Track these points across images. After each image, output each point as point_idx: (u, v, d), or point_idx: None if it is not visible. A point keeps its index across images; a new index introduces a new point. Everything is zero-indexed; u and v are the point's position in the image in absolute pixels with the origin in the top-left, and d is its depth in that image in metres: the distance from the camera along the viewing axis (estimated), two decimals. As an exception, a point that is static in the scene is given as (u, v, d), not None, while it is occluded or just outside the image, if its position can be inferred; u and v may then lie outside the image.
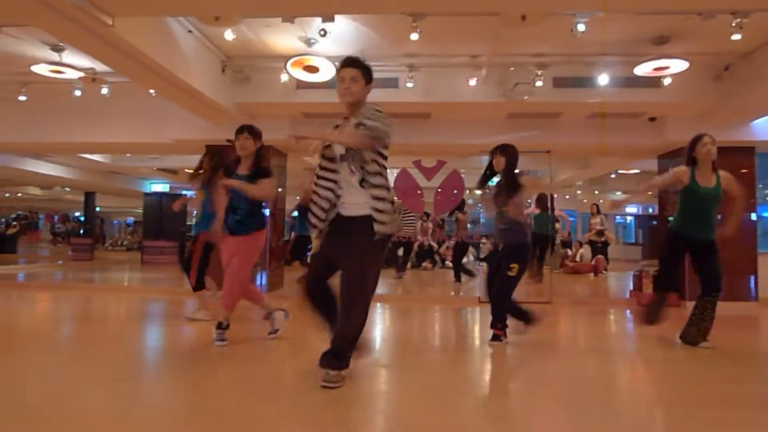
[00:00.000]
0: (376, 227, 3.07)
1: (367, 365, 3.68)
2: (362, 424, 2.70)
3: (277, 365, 3.92)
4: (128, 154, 12.26)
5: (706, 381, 3.62)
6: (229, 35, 5.39)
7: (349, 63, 3.22)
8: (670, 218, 7.74)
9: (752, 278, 7.32)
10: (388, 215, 3.10)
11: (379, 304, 7.09)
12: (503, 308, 4.50)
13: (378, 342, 4.72)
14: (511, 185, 4.41)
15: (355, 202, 3.19)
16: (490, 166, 4.53)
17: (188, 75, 5.55)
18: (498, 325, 4.51)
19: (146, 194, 16.42)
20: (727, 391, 3.36)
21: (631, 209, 21.54)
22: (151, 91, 6.68)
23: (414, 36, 5.15)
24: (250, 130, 4.39)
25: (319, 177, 3.26)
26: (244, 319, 5.53)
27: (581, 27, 4.99)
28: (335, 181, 3.25)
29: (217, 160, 5.46)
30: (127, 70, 5.33)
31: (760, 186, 9.83)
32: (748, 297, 7.25)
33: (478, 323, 5.99)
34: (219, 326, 4.34)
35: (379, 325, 5.77)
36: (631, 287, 7.84)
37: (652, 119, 7.33)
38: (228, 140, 7.43)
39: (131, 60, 4.92)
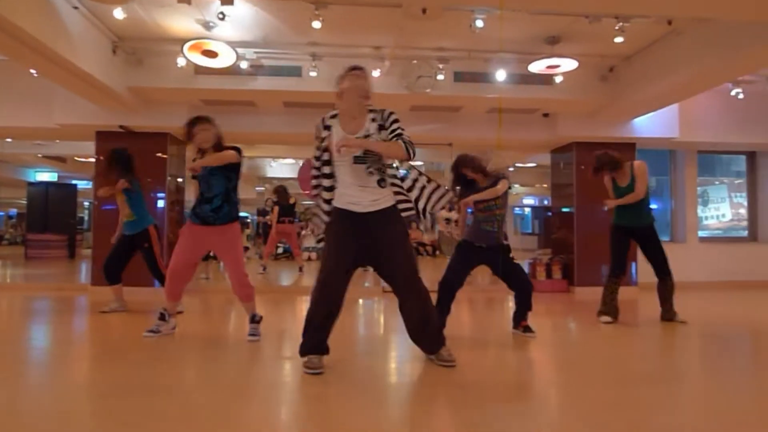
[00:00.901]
0: (405, 214, 3.36)
1: (271, 357, 3.63)
2: (257, 416, 2.65)
3: (176, 362, 3.76)
4: (8, 140, 11.22)
5: (612, 361, 3.90)
6: (119, 14, 5.06)
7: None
8: (564, 208, 8.26)
9: (633, 265, 7.93)
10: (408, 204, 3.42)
11: (283, 296, 7.00)
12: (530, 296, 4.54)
13: (283, 335, 4.65)
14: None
15: (374, 199, 3.32)
16: (462, 176, 4.56)
17: (74, 55, 5.15)
18: (527, 316, 4.55)
19: (30, 184, 15.16)
20: (636, 369, 3.65)
21: (528, 201, 22.67)
22: (32, 71, 6.16)
23: (316, 24, 5.09)
24: (208, 120, 4.18)
25: (324, 178, 3.41)
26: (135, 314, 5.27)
27: (479, 23, 5.16)
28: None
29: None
30: (2, 47, 4.86)
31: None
32: (629, 282, 7.84)
33: (383, 314, 6.08)
34: (253, 319, 4.29)
35: (282, 318, 5.70)
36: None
37: (546, 115, 7.73)
38: (121, 126, 7.08)
39: (6, 35, 4.47)
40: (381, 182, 3.33)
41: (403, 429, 2.53)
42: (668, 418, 2.62)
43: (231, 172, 4.19)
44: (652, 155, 9.32)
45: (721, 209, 9.63)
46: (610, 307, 5.20)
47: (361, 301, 6.90)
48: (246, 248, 14.22)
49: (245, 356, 3.90)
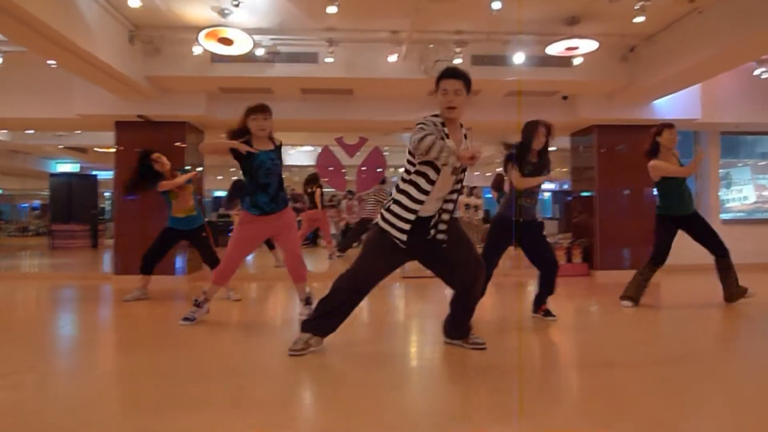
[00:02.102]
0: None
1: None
2: (279, 401, 2.67)
3: (200, 348, 3.81)
4: (29, 131, 11.39)
5: (635, 343, 3.88)
6: (134, 2, 5.06)
7: (453, 74, 3.26)
8: (585, 192, 8.16)
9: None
10: None
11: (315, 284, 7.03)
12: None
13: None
14: (547, 163, 4.56)
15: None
16: (527, 143, 4.51)
17: (92, 45, 5.18)
18: (547, 300, 4.58)
19: (52, 175, 15.39)
20: (658, 351, 3.61)
21: (548, 185, 22.44)
22: (51, 62, 6.21)
23: (332, 9, 5.06)
24: (269, 110, 4.25)
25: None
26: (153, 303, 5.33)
27: (497, 5, 5.07)
28: None
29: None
30: (21, 38, 4.88)
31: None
32: (651, 266, 7.76)
33: (404, 299, 6.10)
34: (308, 301, 4.45)
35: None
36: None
37: (565, 98, 7.61)
38: (139, 116, 7.13)
39: (25, 27, 4.50)
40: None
41: (428, 411, 2.54)
42: (688, 398, 2.60)
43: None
44: (674, 137, 9.16)
45: (745, 191, 9.43)
46: (636, 293, 5.15)
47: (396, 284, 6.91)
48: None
49: (269, 342, 3.94)
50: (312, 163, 13.65)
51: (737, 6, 5.08)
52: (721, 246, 5.14)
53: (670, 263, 8.12)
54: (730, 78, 7.49)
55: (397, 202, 3.27)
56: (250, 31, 5.75)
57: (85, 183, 14.96)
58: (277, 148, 4.32)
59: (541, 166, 4.52)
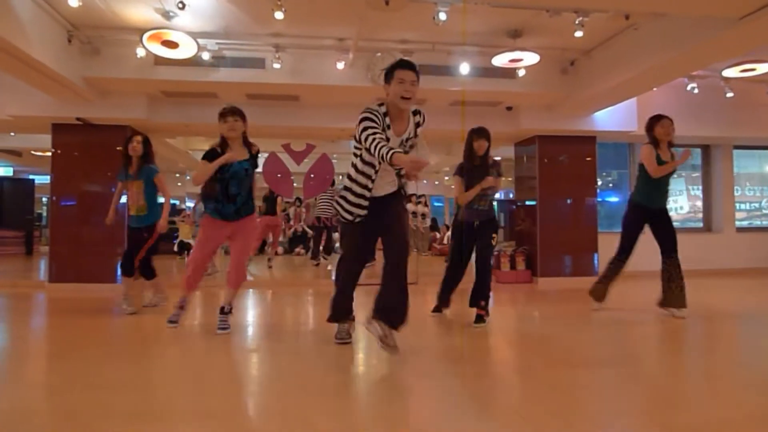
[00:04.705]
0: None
1: (235, 349, 3.59)
2: (223, 410, 2.62)
3: (138, 359, 3.69)
4: (-42, 133, 10.81)
5: (571, 347, 3.98)
6: (73, 1, 4.89)
7: (410, 66, 3.38)
8: (528, 201, 8.35)
9: (595, 255, 8.12)
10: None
11: (250, 290, 6.93)
12: (489, 282, 4.66)
13: (249, 327, 4.61)
14: (495, 166, 4.66)
15: (388, 181, 3.54)
16: (470, 149, 4.69)
17: (26, 43, 4.97)
18: (482, 303, 4.62)
19: (-16, 179, 14.64)
20: (591, 354, 3.72)
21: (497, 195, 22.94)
22: (-18, 60, 5.92)
23: (278, 15, 5.04)
24: (239, 113, 4.30)
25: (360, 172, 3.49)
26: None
27: (442, 16, 5.17)
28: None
29: (149, 146, 5.29)
30: (-53, 34, 4.66)
31: (604, 174, 10.93)
32: (591, 272, 8.01)
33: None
34: (223, 310, 4.28)
35: (250, 310, 5.65)
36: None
37: (509, 108, 7.81)
38: (78, 118, 6.88)
39: (-48, 22, 4.31)
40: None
41: (368, 416, 2.54)
42: (618, 399, 2.70)
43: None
44: (611, 148, 9.53)
45: (679, 201, 9.89)
46: (598, 293, 5.35)
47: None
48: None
49: (207, 350, 3.86)
50: (258, 169, 13.46)
51: (670, 24, 5.35)
52: (673, 248, 5.15)
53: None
54: (664, 92, 7.86)
55: (348, 189, 3.52)
56: (195, 35, 5.67)
57: (19, 187, 14.31)
58: (253, 157, 4.35)
59: (483, 169, 4.63)
